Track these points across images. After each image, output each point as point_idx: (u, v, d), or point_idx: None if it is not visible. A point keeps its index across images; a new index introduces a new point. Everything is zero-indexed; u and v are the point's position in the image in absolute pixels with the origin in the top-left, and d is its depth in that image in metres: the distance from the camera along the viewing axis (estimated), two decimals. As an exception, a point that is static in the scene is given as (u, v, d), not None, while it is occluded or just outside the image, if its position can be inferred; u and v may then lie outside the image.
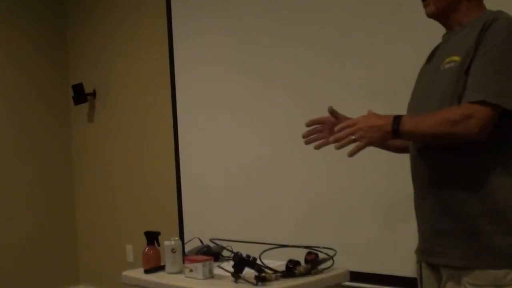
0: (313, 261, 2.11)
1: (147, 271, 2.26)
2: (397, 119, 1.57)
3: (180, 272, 2.19)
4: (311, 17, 2.96)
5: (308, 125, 1.86)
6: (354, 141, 1.61)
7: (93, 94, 4.50)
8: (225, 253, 2.34)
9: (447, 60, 1.61)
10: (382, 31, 2.67)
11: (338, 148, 1.61)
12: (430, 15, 1.72)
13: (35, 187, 4.52)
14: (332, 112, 1.83)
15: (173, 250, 2.21)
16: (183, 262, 2.17)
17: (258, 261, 2.03)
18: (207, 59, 3.54)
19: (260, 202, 3.23)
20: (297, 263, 2.08)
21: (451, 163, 1.58)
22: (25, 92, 4.51)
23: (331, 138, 1.62)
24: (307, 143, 1.87)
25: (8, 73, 4.43)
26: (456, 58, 1.57)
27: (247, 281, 1.95)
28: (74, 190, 4.74)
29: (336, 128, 1.62)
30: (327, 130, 1.85)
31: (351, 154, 1.60)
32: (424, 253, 1.71)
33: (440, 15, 1.70)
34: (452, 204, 1.57)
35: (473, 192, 1.54)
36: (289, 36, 3.06)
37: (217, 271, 2.12)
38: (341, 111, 1.86)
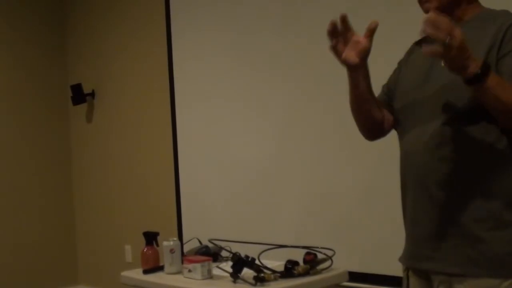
0: (312, 262, 2.10)
1: (146, 272, 2.26)
2: (488, 66, 1.38)
3: (179, 272, 2.18)
4: (311, 13, 2.96)
5: (330, 30, 1.69)
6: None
7: (92, 94, 4.49)
8: (224, 253, 2.34)
9: None
10: (384, 26, 2.66)
11: (422, 35, 1.33)
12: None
13: (34, 187, 4.51)
14: (344, 19, 1.63)
15: (171, 251, 2.20)
16: (182, 262, 2.17)
17: (257, 262, 2.03)
18: (206, 59, 3.54)
19: (258, 203, 3.22)
20: (295, 263, 2.08)
21: (466, 164, 1.52)
22: (24, 92, 4.50)
23: (424, 18, 1.32)
24: (332, 39, 1.70)
25: (7, 73, 4.42)
26: None
27: (245, 281, 1.95)
28: (73, 190, 4.73)
29: (432, 16, 1.33)
30: (342, 40, 1.70)
31: (428, 52, 1.36)
32: (416, 258, 1.64)
33: (442, 11, 1.59)
34: (454, 207, 1.52)
35: (480, 198, 1.50)
36: (289, 35, 3.06)
37: (215, 271, 2.12)
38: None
